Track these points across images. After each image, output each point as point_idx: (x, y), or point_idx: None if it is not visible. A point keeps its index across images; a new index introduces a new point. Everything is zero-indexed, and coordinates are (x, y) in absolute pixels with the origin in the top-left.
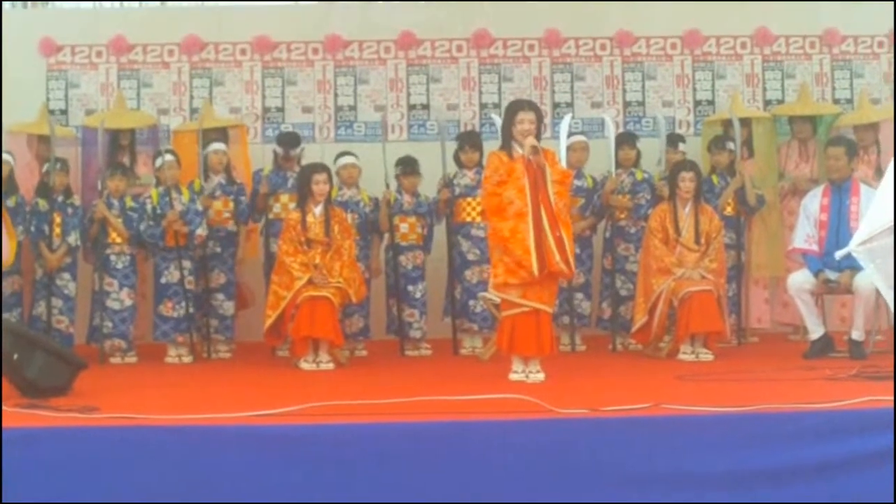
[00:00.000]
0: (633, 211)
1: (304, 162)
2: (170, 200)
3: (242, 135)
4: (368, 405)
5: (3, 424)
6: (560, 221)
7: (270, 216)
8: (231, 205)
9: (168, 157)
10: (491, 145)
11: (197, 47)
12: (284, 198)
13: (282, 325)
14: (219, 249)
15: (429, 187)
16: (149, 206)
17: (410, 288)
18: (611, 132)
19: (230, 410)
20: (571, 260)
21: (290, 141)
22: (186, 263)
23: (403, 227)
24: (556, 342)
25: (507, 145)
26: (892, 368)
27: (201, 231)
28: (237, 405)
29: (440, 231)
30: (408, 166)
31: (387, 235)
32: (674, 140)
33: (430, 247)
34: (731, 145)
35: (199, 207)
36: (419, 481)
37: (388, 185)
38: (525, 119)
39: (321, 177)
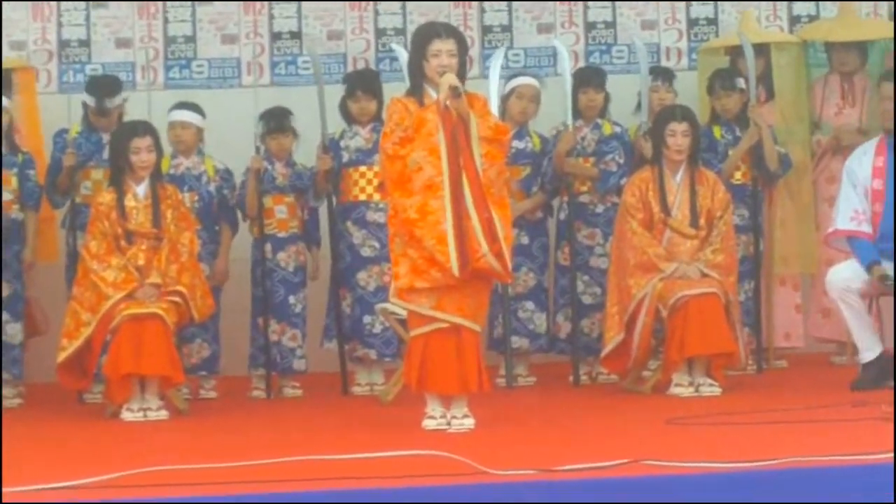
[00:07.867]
0: (599, 181)
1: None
2: None
3: (29, 81)
4: (221, 470)
5: None
6: (490, 197)
7: (78, 200)
8: (14, 182)
9: None
10: (394, 89)
11: None
12: (98, 173)
13: (88, 359)
14: None
15: (307, 153)
16: None
17: (292, 299)
18: (566, 67)
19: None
20: (508, 254)
21: (104, 87)
22: None
23: (280, 211)
24: (490, 374)
25: (416, 89)
26: None
27: None
28: (29, 475)
29: (321, 215)
30: (275, 121)
31: (248, 224)
32: (659, 77)
33: (317, 237)
34: (741, 83)
35: None
36: None
37: (257, 149)
38: (442, 50)
39: (143, 141)
